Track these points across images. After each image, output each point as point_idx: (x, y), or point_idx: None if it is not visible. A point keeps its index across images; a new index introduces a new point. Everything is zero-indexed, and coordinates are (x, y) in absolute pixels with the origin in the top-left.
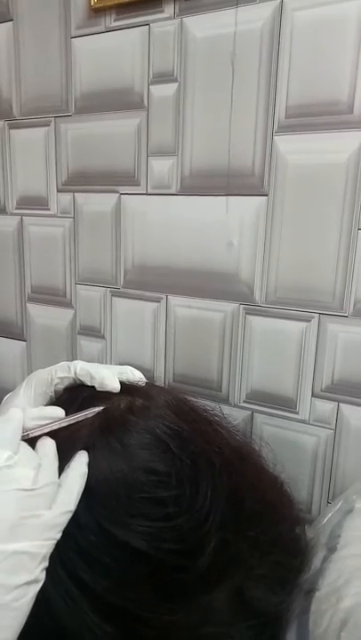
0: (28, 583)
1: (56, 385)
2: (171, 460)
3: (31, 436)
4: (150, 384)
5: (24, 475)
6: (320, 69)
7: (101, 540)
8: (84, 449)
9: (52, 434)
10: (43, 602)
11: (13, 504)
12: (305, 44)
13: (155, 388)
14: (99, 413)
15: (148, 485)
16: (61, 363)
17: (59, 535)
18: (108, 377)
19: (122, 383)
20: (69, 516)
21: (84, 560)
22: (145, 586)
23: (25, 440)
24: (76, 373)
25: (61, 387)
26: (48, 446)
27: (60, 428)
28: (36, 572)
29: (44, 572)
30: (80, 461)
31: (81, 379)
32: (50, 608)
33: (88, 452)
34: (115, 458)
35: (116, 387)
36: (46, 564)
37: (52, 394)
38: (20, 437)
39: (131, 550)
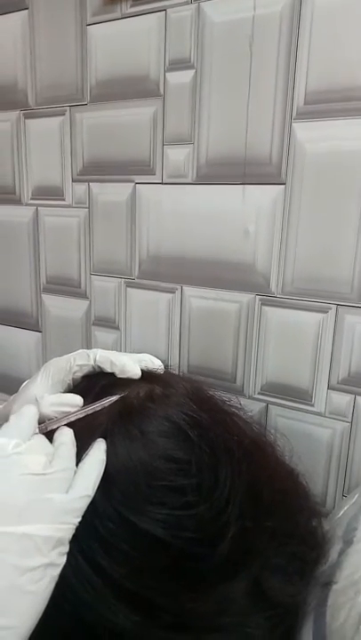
0: (44, 566)
1: (75, 373)
2: (190, 448)
3: (49, 428)
4: (169, 372)
5: (35, 461)
6: (340, 54)
7: (121, 527)
8: (102, 437)
9: (69, 424)
10: (63, 588)
11: (21, 488)
12: (325, 29)
13: (174, 376)
14: (117, 401)
15: (168, 473)
16: (80, 350)
17: (76, 520)
18: (129, 363)
19: (141, 371)
20: (87, 500)
21: (103, 548)
22: (164, 574)
23: (43, 433)
24: (95, 361)
25: (80, 374)
26: (65, 435)
27: (77, 418)
28: (51, 556)
29: (64, 557)
30: (98, 448)
31: (101, 366)
32: (70, 595)
33: (107, 440)
34: (134, 445)
35: (137, 373)
36: (65, 548)
37: (70, 382)
38: (32, 429)
39: (150, 538)
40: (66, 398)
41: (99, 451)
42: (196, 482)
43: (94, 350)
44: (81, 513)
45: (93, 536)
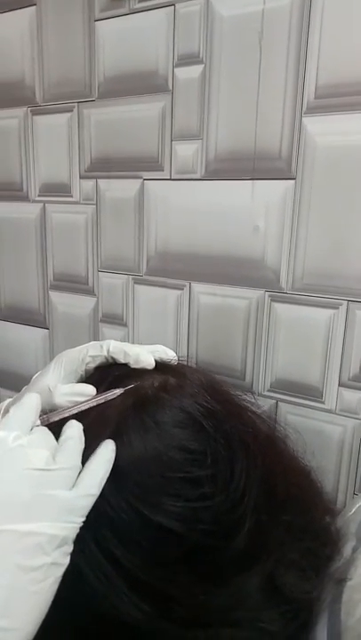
0: (47, 566)
1: (87, 364)
2: (205, 440)
3: (51, 420)
4: (183, 364)
5: (38, 455)
6: (351, 48)
7: (136, 519)
8: (116, 427)
9: (78, 415)
10: (76, 580)
11: (26, 483)
12: (336, 22)
13: (188, 367)
14: (131, 391)
15: (183, 464)
16: (93, 342)
17: (81, 519)
18: (143, 353)
19: (155, 362)
20: (92, 499)
21: (118, 539)
22: (178, 565)
23: (46, 425)
24: (108, 352)
25: (92, 365)
26: (73, 429)
27: (89, 408)
28: (54, 555)
29: (67, 557)
30: (107, 447)
31: (114, 356)
32: (83, 587)
33: (121, 430)
34: (148, 436)
35: (151, 362)
36: (69, 548)
37: (83, 373)
38: (32, 420)
39: (164, 530)
40: (79, 388)
41: (106, 450)
42: (212, 473)
43: (107, 341)
44: (86, 512)
45: (107, 527)
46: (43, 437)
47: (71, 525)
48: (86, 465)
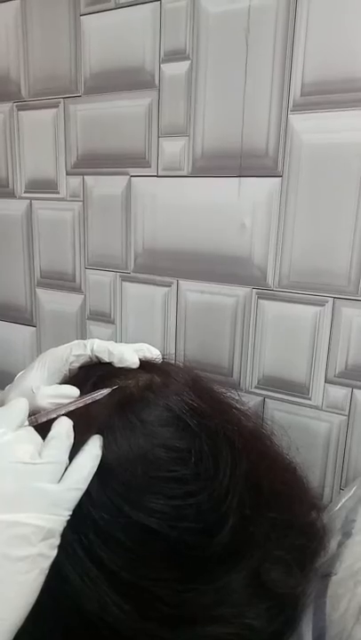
0: (33, 557)
1: (71, 363)
2: (190, 438)
3: (39, 421)
4: (168, 362)
5: (23, 449)
6: (338, 45)
7: (119, 517)
8: (101, 426)
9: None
10: (59, 580)
11: (10, 476)
12: (322, 20)
13: (173, 366)
14: (116, 391)
15: (168, 462)
16: (76, 341)
17: (67, 512)
18: (128, 352)
19: (140, 360)
20: (78, 493)
21: (101, 538)
22: (163, 564)
23: (34, 426)
24: (92, 351)
25: (76, 365)
26: (62, 425)
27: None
28: (40, 547)
29: (55, 550)
30: (94, 444)
31: (98, 355)
32: (66, 586)
33: (106, 429)
34: (134, 434)
35: (135, 362)
36: (56, 541)
37: (67, 372)
38: (20, 420)
39: (149, 528)
40: (63, 390)
41: (94, 446)
42: (196, 471)
43: (91, 340)
44: (72, 505)
45: (91, 525)
46: (29, 434)
47: (57, 517)
48: (74, 460)
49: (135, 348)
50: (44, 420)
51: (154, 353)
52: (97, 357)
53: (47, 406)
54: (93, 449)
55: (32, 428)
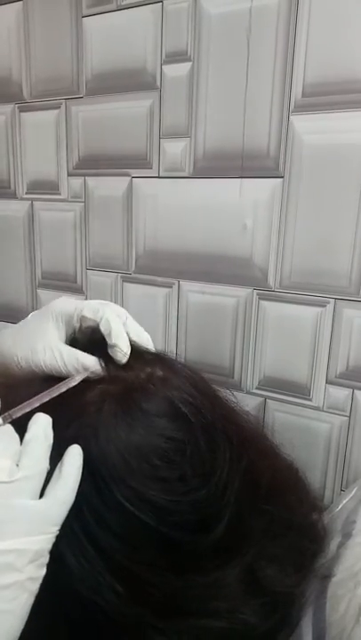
0: (21, 583)
1: (75, 322)
2: (188, 431)
3: (14, 417)
4: (171, 358)
5: None
6: (339, 46)
7: (115, 505)
8: (98, 414)
9: (45, 405)
10: (57, 563)
11: None
12: (324, 21)
13: (175, 361)
14: (118, 380)
15: (165, 453)
16: (94, 301)
17: (55, 528)
18: (123, 345)
19: (143, 353)
20: (65, 507)
21: (99, 524)
22: (158, 552)
23: (10, 422)
24: (100, 320)
25: (77, 325)
26: (39, 425)
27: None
28: (26, 571)
29: (44, 568)
30: (73, 454)
31: (101, 330)
32: (64, 568)
33: (105, 416)
34: (132, 423)
35: (121, 361)
36: (45, 559)
37: (76, 327)
38: None
39: (143, 518)
40: (87, 361)
41: (74, 457)
42: (193, 463)
43: (105, 310)
44: (60, 520)
45: (89, 512)
46: (3, 444)
47: (44, 537)
48: (55, 473)
49: (143, 338)
50: (20, 414)
51: (144, 341)
52: (103, 330)
53: (71, 371)
54: (75, 460)
55: (9, 427)
